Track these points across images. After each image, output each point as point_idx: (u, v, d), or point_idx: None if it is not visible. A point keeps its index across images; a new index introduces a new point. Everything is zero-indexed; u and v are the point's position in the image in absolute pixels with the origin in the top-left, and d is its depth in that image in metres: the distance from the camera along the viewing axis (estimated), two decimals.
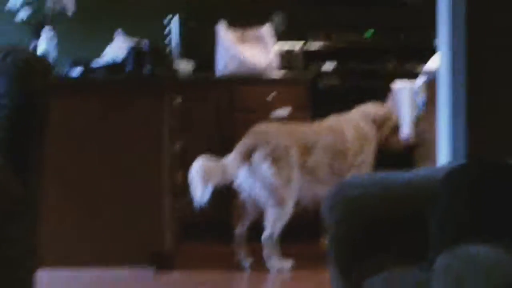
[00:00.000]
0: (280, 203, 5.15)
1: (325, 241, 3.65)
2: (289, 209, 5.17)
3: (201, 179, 5.02)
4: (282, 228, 5.17)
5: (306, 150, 5.29)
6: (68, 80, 5.10)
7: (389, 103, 5.83)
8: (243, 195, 5.25)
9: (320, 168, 5.32)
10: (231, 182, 5.21)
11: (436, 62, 4.62)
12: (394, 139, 5.58)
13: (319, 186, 5.26)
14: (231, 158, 5.17)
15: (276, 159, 5.15)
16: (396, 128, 5.59)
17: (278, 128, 5.31)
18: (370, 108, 5.62)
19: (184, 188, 5.39)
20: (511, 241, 1.78)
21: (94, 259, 5.07)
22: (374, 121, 5.57)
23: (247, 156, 5.17)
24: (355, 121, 5.52)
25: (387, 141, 5.59)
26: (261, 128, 5.31)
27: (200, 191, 5.01)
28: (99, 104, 5.10)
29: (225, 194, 5.39)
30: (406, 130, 5.77)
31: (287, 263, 5.18)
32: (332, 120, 5.53)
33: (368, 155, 5.49)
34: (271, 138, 5.20)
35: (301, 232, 5.56)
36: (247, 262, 5.26)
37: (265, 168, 5.14)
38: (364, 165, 5.44)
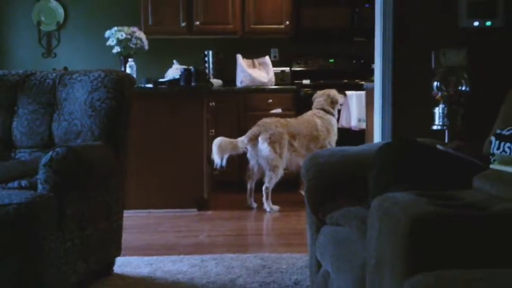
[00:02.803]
0: (274, 169, 5.16)
1: (302, 192, 3.68)
2: (279, 172, 5.19)
3: (218, 150, 5.05)
4: (274, 184, 5.19)
5: (293, 136, 5.29)
6: (144, 91, 5.10)
7: (344, 105, 5.84)
8: (252, 162, 5.26)
9: (301, 148, 5.33)
10: (245, 154, 5.24)
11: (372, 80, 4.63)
12: None
13: (300, 159, 5.26)
14: (241, 139, 5.19)
15: (272, 141, 5.15)
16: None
17: (276, 121, 5.29)
18: (328, 93, 5.59)
19: None
20: (420, 190, 1.77)
21: (158, 203, 5.07)
22: (332, 101, 5.56)
23: (253, 139, 5.18)
24: (321, 114, 5.50)
25: None
26: (265, 121, 5.29)
27: (217, 158, 5.05)
28: (163, 105, 5.09)
29: (241, 162, 5.42)
30: (354, 122, 5.78)
31: (276, 207, 5.18)
32: (308, 115, 5.51)
33: (332, 136, 5.47)
34: (270, 127, 5.20)
35: (286, 186, 5.58)
36: (254, 205, 5.28)
37: (265, 147, 5.14)
38: (331, 143, 5.44)
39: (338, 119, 5.68)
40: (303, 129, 5.33)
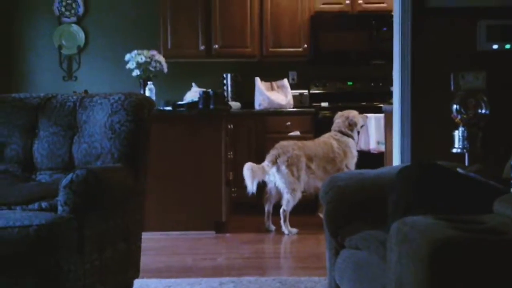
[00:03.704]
0: (292, 191, 5.14)
1: (321, 215, 3.66)
2: (297, 195, 5.17)
3: (250, 175, 5.06)
4: (292, 207, 5.17)
5: (310, 158, 5.28)
6: (163, 113, 5.13)
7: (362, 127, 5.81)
8: (270, 185, 5.26)
9: (318, 170, 5.31)
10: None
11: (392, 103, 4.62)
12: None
13: (317, 181, 5.24)
14: (266, 163, 5.20)
15: (290, 164, 5.15)
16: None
17: (293, 144, 5.28)
18: (347, 115, 5.58)
19: (233, 181, 5.41)
20: (440, 214, 1.76)
21: (177, 225, 5.07)
22: (350, 123, 5.54)
23: (275, 162, 5.18)
24: (338, 136, 5.49)
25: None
26: (282, 143, 5.28)
27: (250, 183, 5.05)
28: (182, 128, 5.10)
29: (259, 184, 5.42)
30: (372, 145, 5.76)
31: (294, 230, 5.16)
32: (325, 137, 5.50)
33: (350, 158, 5.45)
34: (288, 150, 5.20)
35: (305, 208, 5.55)
36: (272, 228, 5.27)
37: (283, 169, 5.14)
38: (348, 166, 5.41)
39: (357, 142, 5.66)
40: (319, 151, 5.33)
